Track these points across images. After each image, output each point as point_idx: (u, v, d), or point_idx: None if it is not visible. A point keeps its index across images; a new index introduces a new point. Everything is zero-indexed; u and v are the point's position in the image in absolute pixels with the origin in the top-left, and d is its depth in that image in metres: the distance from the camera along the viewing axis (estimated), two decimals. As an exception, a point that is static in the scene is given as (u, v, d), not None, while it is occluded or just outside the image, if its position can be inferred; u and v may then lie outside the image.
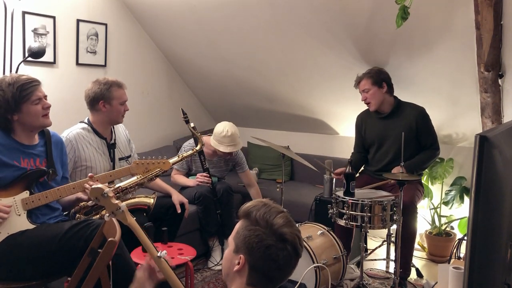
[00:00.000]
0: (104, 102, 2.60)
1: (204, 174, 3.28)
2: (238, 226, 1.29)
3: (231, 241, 1.29)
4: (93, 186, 1.58)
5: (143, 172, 2.42)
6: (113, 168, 2.67)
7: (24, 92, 2.01)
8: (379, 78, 3.08)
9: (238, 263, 1.24)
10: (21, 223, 2.01)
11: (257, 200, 1.31)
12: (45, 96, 2.10)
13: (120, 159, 2.73)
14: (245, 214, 1.27)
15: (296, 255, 1.26)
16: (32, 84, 2.04)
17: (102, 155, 2.63)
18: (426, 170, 3.51)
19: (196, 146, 2.85)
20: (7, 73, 3.00)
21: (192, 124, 2.84)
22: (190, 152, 2.74)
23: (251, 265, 1.23)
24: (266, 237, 1.22)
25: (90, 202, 2.39)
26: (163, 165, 2.48)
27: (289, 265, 1.25)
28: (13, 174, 2.01)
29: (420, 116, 3.05)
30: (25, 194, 2.03)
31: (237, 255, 1.25)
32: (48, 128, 2.21)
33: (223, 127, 3.31)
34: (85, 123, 2.66)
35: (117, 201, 1.56)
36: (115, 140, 2.74)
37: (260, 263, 1.22)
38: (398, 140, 2.86)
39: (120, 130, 2.86)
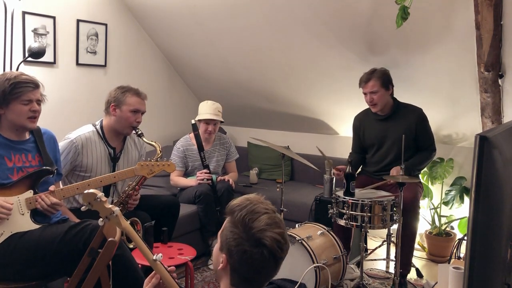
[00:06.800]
0: (115, 106, 2.58)
1: (204, 170, 3.30)
2: (224, 223, 1.26)
3: (218, 236, 1.28)
4: (85, 192, 1.57)
5: (148, 174, 2.41)
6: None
7: (15, 90, 2.00)
8: (387, 80, 3.05)
9: (222, 262, 1.23)
10: (24, 222, 2.02)
11: (245, 197, 1.27)
12: (38, 101, 2.08)
13: None
14: (230, 212, 1.25)
15: (274, 260, 1.21)
16: (27, 85, 2.03)
17: (105, 166, 2.60)
18: (426, 169, 3.51)
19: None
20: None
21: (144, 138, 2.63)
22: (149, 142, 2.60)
23: (231, 266, 1.22)
24: (243, 241, 1.19)
25: (83, 207, 2.37)
26: (168, 167, 2.47)
27: (267, 269, 1.22)
28: (5, 172, 2.01)
29: (420, 118, 3.05)
30: (29, 193, 2.05)
31: (221, 254, 1.24)
32: (38, 125, 2.19)
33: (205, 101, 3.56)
34: (96, 127, 2.62)
35: (110, 206, 1.55)
36: (121, 152, 2.68)
37: (238, 266, 1.20)
38: (398, 142, 2.85)
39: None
